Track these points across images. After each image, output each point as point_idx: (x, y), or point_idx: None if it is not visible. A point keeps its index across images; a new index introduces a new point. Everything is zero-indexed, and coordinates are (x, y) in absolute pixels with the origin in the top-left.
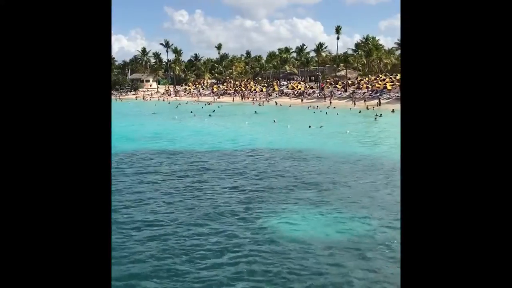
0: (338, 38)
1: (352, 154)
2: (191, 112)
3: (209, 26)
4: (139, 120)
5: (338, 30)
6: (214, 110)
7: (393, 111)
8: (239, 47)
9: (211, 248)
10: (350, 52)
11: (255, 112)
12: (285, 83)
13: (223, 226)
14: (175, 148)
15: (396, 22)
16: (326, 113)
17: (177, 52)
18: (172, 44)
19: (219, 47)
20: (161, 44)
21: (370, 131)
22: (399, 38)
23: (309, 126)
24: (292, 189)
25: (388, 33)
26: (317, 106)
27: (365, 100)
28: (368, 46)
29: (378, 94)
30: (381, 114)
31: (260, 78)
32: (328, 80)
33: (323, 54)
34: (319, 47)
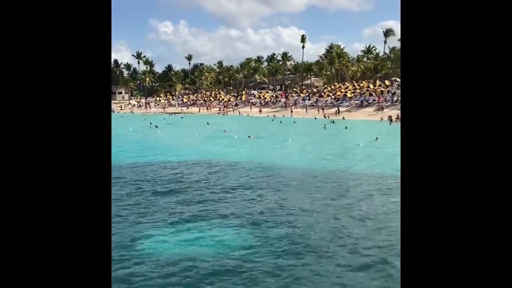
0: (303, 47)
1: (273, 165)
2: (150, 123)
3: (194, 36)
4: None
5: (303, 39)
6: (173, 123)
7: (343, 118)
8: (224, 57)
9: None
10: (321, 60)
11: (207, 123)
12: (254, 92)
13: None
14: None
15: (379, 29)
16: (280, 121)
17: (148, 63)
18: (145, 56)
19: (189, 57)
20: (133, 55)
21: (313, 138)
22: (367, 45)
23: (249, 136)
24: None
25: (372, 40)
26: (274, 115)
27: (323, 109)
28: (331, 54)
29: (339, 102)
30: (333, 121)
31: (231, 88)
32: (294, 89)
33: (288, 63)
34: (284, 56)
